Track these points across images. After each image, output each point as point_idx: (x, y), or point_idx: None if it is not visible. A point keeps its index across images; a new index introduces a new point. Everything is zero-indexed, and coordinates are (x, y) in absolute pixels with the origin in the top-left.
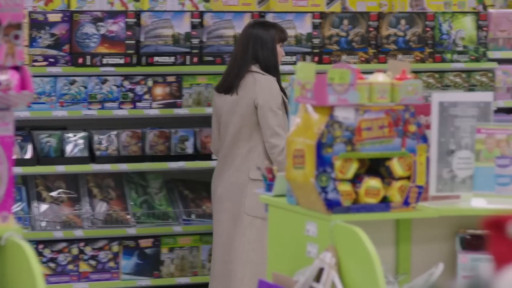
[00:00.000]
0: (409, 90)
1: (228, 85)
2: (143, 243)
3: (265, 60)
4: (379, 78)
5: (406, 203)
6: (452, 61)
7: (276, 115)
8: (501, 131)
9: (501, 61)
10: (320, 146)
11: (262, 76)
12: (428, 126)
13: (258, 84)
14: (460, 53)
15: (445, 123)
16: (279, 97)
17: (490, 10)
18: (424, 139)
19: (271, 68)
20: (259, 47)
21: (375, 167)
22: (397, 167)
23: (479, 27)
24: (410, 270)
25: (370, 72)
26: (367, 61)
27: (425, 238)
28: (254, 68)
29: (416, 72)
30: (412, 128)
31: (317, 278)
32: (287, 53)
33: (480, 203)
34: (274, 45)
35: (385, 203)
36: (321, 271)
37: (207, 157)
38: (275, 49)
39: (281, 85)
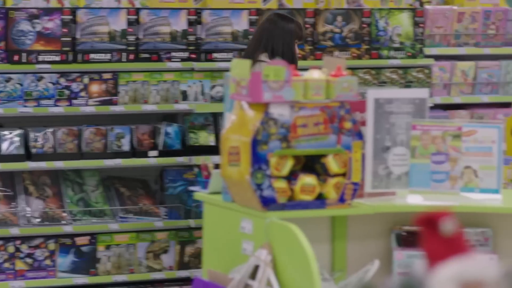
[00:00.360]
0: (344, 86)
1: None
2: (80, 240)
3: (278, 52)
4: (315, 75)
5: (341, 200)
6: (388, 57)
7: None
8: (437, 128)
9: (437, 58)
10: (255, 143)
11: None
12: (363, 123)
13: None
14: (396, 49)
15: (381, 119)
16: None
17: (427, 6)
18: (360, 135)
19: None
20: (272, 38)
21: (311, 164)
22: (332, 164)
23: (416, 24)
24: (346, 267)
25: (307, 69)
26: (304, 58)
27: (361, 235)
28: (263, 57)
29: (352, 68)
30: (348, 125)
31: (253, 275)
32: (222, 50)
33: (415, 200)
34: (291, 39)
35: (320, 200)
36: (256, 268)
37: (144, 154)
38: (292, 43)
39: None
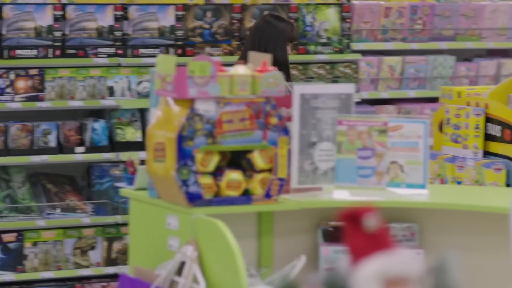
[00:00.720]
0: (270, 82)
1: None
2: (6, 237)
3: (272, 53)
4: (240, 70)
5: (267, 195)
6: (315, 53)
7: None
8: (363, 123)
9: (364, 53)
10: (180, 139)
11: None
12: (289, 118)
13: None
14: (323, 44)
15: (307, 115)
16: None
17: (354, 1)
18: (286, 131)
19: (279, 63)
20: (264, 37)
21: (237, 159)
22: (258, 159)
23: (343, 19)
24: (273, 263)
25: (232, 64)
26: (231, 53)
27: (287, 231)
28: None
29: None
30: (273, 120)
31: (179, 272)
32: (149, 46)
33: (342, 195)
34: (283, 39)
35: (246, 196)
36: (182, 264)
37: (70, 150)
38: (284, 43)
39: (290, 80)
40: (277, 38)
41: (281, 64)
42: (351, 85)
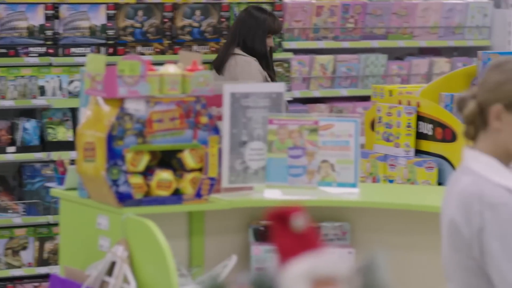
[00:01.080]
0: (200, 81)
1: (217, 65)
2: None
3: (251, 44)
4: (170, 69)
5: (198, 195)
6: None
7: None
8: (293, 122)
9: (296, 51)
10: (110, 138)
11: (242, 58)
12: (220, 118)
13: (238, 66)
14: None
15: (237, 114)
16: (259, 77)
17: (286, 0)
18: (216, 130)
19: (258, 54)
20: (246, 31)
21: (167, 159)
22: (188, 159)
23: None
24: (204, 263)
25: (163, 63)
26: (162, 52)
27: (219, 230)
28: (237, 50)
29: (211, 63)
30: (204, 119)
31: (110, 272)
32: (80, 45)
33: (273, 194)
34: (264, 30)
35: (177, 196)
36: (113, 264)
37: (1, 150)
38: (264, 34)
39: (273, 76)
40: (257, 29)
41: (261, 55)
42: (281, 84)
